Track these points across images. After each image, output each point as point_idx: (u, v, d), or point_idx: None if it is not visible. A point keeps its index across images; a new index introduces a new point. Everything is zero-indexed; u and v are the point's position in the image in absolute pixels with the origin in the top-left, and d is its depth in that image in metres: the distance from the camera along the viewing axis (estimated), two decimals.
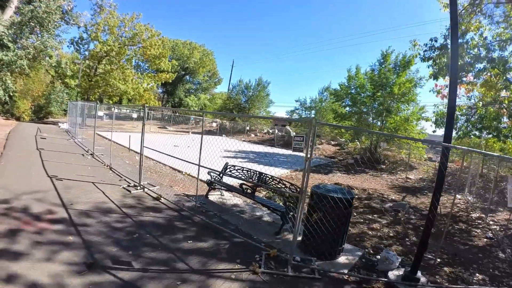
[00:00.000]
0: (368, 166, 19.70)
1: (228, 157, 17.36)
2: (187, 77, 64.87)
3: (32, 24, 26.09)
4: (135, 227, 6.06)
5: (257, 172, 8.24)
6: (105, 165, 11.99)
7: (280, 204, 7.79)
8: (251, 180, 8.23)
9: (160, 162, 14.08)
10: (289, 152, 26.82)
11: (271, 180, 7.73)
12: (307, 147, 4.97)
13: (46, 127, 25.65)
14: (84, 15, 31.01)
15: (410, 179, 17.07)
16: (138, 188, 9.02)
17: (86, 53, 32.77)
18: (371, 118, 25.20)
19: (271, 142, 33.95)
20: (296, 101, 42.57)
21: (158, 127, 37.92)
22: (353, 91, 25.01)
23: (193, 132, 36.83)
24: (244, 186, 7.60)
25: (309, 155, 4.73)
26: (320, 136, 32.74)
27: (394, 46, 24.12)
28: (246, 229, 6.60)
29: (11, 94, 29.10)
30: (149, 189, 8.92)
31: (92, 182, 9.26)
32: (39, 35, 27.89)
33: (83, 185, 8.81)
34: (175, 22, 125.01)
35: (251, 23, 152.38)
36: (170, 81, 38.53)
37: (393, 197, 11.80)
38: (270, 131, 40.30)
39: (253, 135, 38.98)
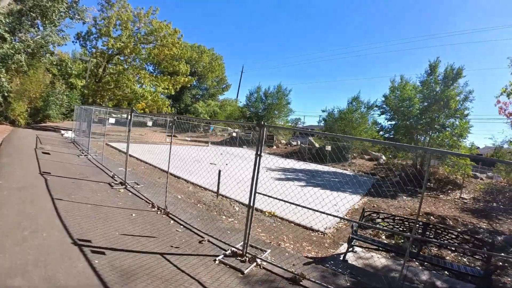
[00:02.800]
0: (414, 184, 17.02)
1: (277, 178, 15.12)
2: (194, 82, 60.83)
3: (34, 14, 22.28)
4: None
5: (421, 223, 6.26)
6: (154, 207, 7.75)
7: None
8: (410, 233, 5.73)
9: (220, 195, 9.95)
10: (331, 168, 24.33)
11: (445, 233, 5.98)
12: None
13: (47, 135, 21.25)
14: (91, 9, 27.33)
15: (465, 199, 15.36)
16: (245, 258, 5.42)
17: (93, 50, 28.42)
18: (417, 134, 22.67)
19: (298, 155, 30.18)
20: (323, 111, 38.71)
21: (167, 136, 33.54)
22: (398, 103, 22.93)
23: (212, 143, 32.67)
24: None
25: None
26: (348, 148, 29.37)
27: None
28: None
29: (6, 94, 25.23)
30: (261, 258, 5.44)
31: (161, 254, 5.18)
32: (40, 28, 24.32)
33: (151, 267, 4.68)
34: (178, 24, 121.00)
35: (262, 28, 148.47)
36: (189, 85, 34.69)
37: (483, 225, 10.25)
38: (293, 142, 36.91)
39: (274, 147, 35.44)
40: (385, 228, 6.53)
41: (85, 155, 14.01)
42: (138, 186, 9.49)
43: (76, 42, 28.53)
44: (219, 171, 9.35)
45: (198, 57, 56.42)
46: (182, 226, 6.65)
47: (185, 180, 11.50)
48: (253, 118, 40.35)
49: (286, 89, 40.79)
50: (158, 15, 27.19)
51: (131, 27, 26.38)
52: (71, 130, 21.93)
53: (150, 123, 34.12)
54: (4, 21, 20.06)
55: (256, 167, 5.38)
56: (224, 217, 7.79)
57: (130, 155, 14.88)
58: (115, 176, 10.48)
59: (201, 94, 62.85)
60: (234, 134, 35.58)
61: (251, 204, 5.47)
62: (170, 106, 29.43)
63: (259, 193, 5.46)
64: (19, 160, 11.16)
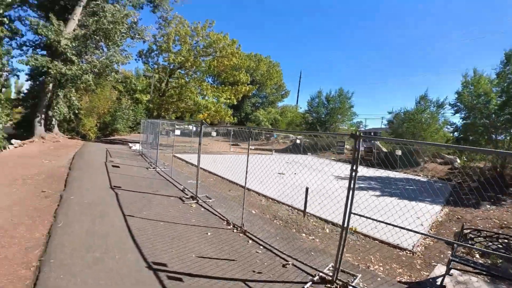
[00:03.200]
0: (496, 190, 14.61)
1: (356, 188, 12.82)
2: (254, 90, 60.88)
3: (97, 37, 23.69)
4: None
5: None
6: (229, 224, 7.10)
7: None
8: None
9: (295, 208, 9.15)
10: (403, 174, 22.39)
11: None
12: None
13: (116, 148, 21.98)
14: (149, 28, 28.73)
15: None
16: (336, 285, 4.68)
17: (155, 66, 29.48)
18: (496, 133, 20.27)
19: (365, 161, 28.26)
20: (389, 112, 36.48)
21: (230, 144, 33.33)
22: (473, 100, 20.64)
23: (275, 151, 32.01)
24: None
25: None
26: (419, 152, 27.00)
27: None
28: None
29: (77, 111, 26.92)
30: (353, 286, 4.64)
31: (244, 281, 4.51)
32: (104, 49, 25.96)
33: None
34: (233, 36, 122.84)
35: (317, 29, 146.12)
36: (249, 94, 34.52)
37: None
38: (349, 147, 34.87)
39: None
40: (498, 253, 5.30)
41: (153, 168, 13.94)
42: (210, 200, 8.96)
43: (138, 59, 29.80)
44: (307, 189, 8.42)
45: (255, 66, 56.41)
46: (261, 247, 5.92)
47: (256, 192, 10.84)
48: (316, 123, 39.12)
49: (348, 92, 39.07)
50: (214, 28, 27.41)
51: (189, 41, 26.74)
52: (139, 143, 22.42)
53: (214, 133, 34.23)
54: (71, 45, 21.44)
55: (352, 185, 4.59)
56: (304, 235, 6.97)
57: (196, 166, 14.70)
58: (186, 190, 10.07)
59: (260, 102, 62.59)
60: (298, 141, 34.58)
61: (345, 226, 4.63)
62: (232, 115, 29.15)
63: (355, 213, 4.62)
64: (90, 174, 11.25)
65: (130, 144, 23.60)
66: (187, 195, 9.45)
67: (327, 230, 7.47)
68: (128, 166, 13.93)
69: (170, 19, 28.91)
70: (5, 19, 17.25)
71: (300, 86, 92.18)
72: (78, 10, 23.66)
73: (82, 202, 7.72)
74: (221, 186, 11.51)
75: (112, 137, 33.11)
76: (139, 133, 43.45)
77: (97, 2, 24.23)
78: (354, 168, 4.55)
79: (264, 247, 5.90)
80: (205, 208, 8.24)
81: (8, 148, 18.58)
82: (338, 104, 38.70)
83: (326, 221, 7.96)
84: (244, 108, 57.16)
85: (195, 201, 8.73)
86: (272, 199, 10.08)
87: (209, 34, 26.88)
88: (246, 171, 6.93)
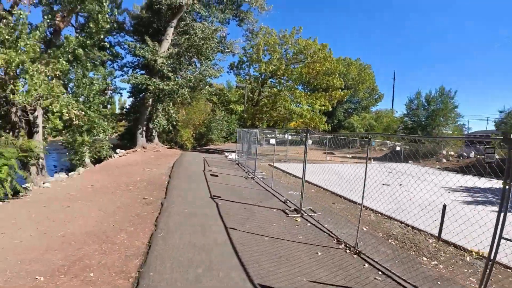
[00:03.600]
0: None
1: (464, 202, 10.90)
2: (348, 95, 57.74)
3: (190, 54, 25.02)
4: None
5: None
6: (340, 243, 6.08)
7: None
8: None
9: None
10: None
11: None
12: None
13: (212, 157, 22.17)
14: (237, 42, 29.32)
15: None
16: None
17: (247, 77, 29.68)
18: None
19: (476, 169, 24.40)
20: (501, 111, 31.67)
21: (323, 153, 31.72)
22: None
23: (374, 159, 29.69)
24: None
25: None
26: None
27: None
28: None
29: (174, 123, 28.33)
30: None
31: None
32: (197, 65, 27.03)
33: None
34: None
35: (408, 28, 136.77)
36: (344, 99, 32.93)
37: None
38: (465, 154, 30.76)
39: (444, 160, 29.95)
40: None
41: (251, 177, 13.43)
42: (315, 214, 7.98)
43: (230, 72, 30.25)
44: (444, 207, 6.87)
45: (346, 70, 53.77)
46: (380, 272, 4.80)
47: (364, 206, 9.48)
48: (417, 128, 35.58)
49: (450, 91, 34.85)
50: (302, 34, 26.60)
51: (279, 50, 26.28)
52: (234, 152, 22.38)
53: (310, 142, 32.90)
54: (166, 63, 22.70)
55: (505, 202, 3.49)
56: (424, 258, 5.60)
57: (295, 176, 13.80)
58: (288, 202, 9.25)
59: (353, 108, 59.14)
60: (398, 148, 31.71)
61: (492, 257, 3.43)
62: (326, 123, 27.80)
63: (506, 239, 3.32)
64: (189, 183, 11.11)
65: (226, 153, 23.74)
66: (290, 207, 8.60)
67: (449, 254, 5.93)
68: (226, 175, 13.63)
69: (257, 30, 29.16)
70: (106, 43, 18.88)
71: (394, 88, 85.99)
72: (170, 31, 24.79)
73: (182, 211, 7.35)
74: (323, 198, 10.41)
75: (208, 147, 34.14)
76: (233, 142, 44.64)
77: (186, 22, 25.41)
78: (509, 181, 3.36)
79: (383, 272, 4.80)
80: (311, 223, 7.29)
81: (114, 157, 19.95)
82: (440, 105, 34.74)
83: (456, 246, 6.30)
84: (336, 115, 54.71)
85: (299, 215, 7.85)
86: (381, 214, 8.66)
87: (297, 41, 26.13)
88: (364, 186, 5.87)
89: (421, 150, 29.90)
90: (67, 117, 13.88)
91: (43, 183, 11.06)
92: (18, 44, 11.43)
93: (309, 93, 28.24)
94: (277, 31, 26.98)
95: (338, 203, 9.63)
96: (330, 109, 27.65)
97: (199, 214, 7.22)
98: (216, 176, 12.96)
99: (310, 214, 7.85)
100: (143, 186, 10.51)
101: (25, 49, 11.64)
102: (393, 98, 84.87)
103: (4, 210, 7.32)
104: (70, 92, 17.23)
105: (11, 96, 11.26)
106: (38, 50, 12.40)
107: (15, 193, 8.74)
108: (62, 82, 17.09)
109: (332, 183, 11.17)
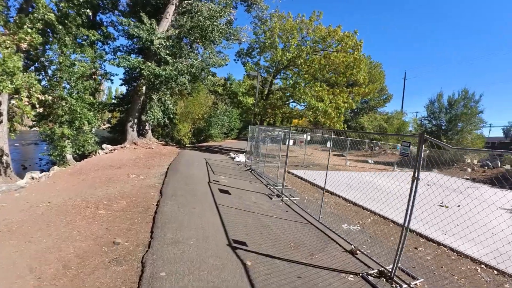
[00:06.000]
0: None
1: None
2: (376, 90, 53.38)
3: (192, 37, 21.54)
4: None
5: None
6: None
7: None
8: None
9: None
10: None
11: None
12: None
13: (216, 158, 18.01)
14: (244, 29, 26.13)
15: None
16: None
17: (256, 67, 25.95)
18: None
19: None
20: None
21: (333, 155, 27.69)
22: None
23: (397, 166, 25.82)
24: None
25: None
26: None
27: None
28: None
29: (172, 116, 25.15)
30: None
31: None
32: (200, 51, 24.14)
33: None
34: None
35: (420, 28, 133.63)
36: (369, 97, 29.50)
37: None
38: (490, 163, 27.20)
39: (469, 170, 26.41)
40: None
41: (277, 195, 9.52)
42: (417, 283, 4.45)
43: (238, 60, 26.41)
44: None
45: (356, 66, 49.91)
46: None
47: (425, 237, 6.25)
48: (437, 132, 32.27)
49: (474, 94, 31.52)
50: (322, 21, 22.87)
51: (297, 35, 22.57)
52: (240, 152, 18.74)
53: (329, 144, 28.36)
54: (164, 44, 19.50)
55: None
56: None
57: (328, 191, 10.18)
58: (358, 253, 5.52)
59: (360, 108, 55.46)
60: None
61: None
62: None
63: None
64: (190, 207, 7.45)
65: (232, 154, 19.71)
66: (372, 268, 4.95)
67: None
68: (241, 191, 9.89)
69: (266, 17, 25.70)
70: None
71: (404, 89, 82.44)
72: (171, 9, 21.66)
73: (181, 279, 3.85)
74: (395, 233, 6.85)
75: (207, 144, 30.57)
76: (233, 139, 41.05)
77: (190, 1, 22.31)
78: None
79: None
80: None
81: (98, 153, 17.05)
82: (462, 109, 31.43)
83: None
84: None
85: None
86: (451, 249, 5.69)
87: (317, 28, 22.40)
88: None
89: (443, 157, 26.57)
90: (27, 102, 10.60)
91: None
92: None
93: (331, 88, 24.38)
94: (295, 16, 23.35)
95: (428, 248, 6.14)
96: (354, 107, 24.14)
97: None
98: (228, 193, 9.26)
99: (410, 283, 4.34)
100: (120, 208, 7.03)
101: None
102: (402, 99, 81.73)
103: None
104: (51, 75, 14.72)
105: None
106: None
107: None
108: (31, 59, 14.20)
109: (389, 206, 7.41)
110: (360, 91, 23.08)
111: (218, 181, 10.78)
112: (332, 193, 10.26)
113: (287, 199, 9.12)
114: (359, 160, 25.15)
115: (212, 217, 6.79)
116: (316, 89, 20.86)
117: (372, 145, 38.25)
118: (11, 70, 9.18)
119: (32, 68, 16.14)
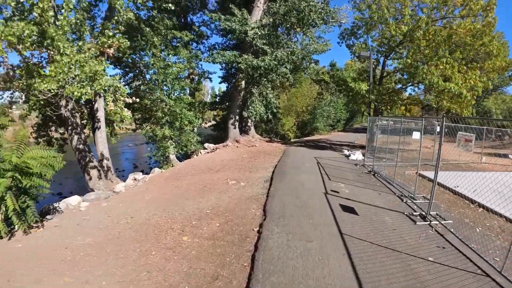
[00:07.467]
0: None
1: None
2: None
3: (288, 24, 19.78)
4: None
5: None
6: None
7: None
8: None
9: None
10: None
11: None
12: None
13: (326, 156, 15.42)
14: (343, 9, 23.36)
15: None
16: None
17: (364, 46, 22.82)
18: None
19: None
20: None
21: (482, 153, 20.05)
22: None
23: None
24: None
25: None
26: None
27: None
28: None
29: (275, 110, 23.36)
30: None
31: None
32: (298, 38, 22.31)
33: None
34: None
35: None
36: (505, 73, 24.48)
37: None
38: None
39: None
40: None
41: (420, 216, 6.70)
42: None
43: (341, 43, 23.59)
44: None
45: (472, 41, 41.24)
46: None
47: None
48: None
49: None
50: None
51: (408, 2, 18.70)
52: (353, 146, 15.92)
53: (475, 138, 21.92)
54: (260, 33, 18.15)
55: None
56: None
57: (484, 207, 6.82)
58: None
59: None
60: None
61: None
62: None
63: None
64: (304, 242, 5.23)
65: (346, 151, 16.58)
66: None
67: None
68: (370, 208, 7.22)
69: None
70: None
71: None
72: None
73: None
74: None
75: (313, 138, 28.57)
76: (339, 131, 37.98)
77: None
78: None
79: None
80: None
81: (200, 153, 16.85)
82: None
83: None
84: None
85: None
86: None
87: None
88: None
89: None
90: (113, 106, 10.22)
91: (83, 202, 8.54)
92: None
93: (456, 64, 19.81)
94: None
95: None
96: (491, 86, 19.51)
97: None
98: (353, 212, 6.82)
99: None
100: (210, 234, 5.52)
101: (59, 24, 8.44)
102: None
103: None
104: (148, 80, 15.46)
105: (37, 82, 7.94)
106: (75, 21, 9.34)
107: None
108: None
109: None
110: (495, 66, 18.22)
111: (337, 192, 8.44)
112: (488, 210, 6.72)
113: (436, 222, 6.33)
114: (493, 154, 18.55)
115: (338, 262, 4.56)
116: (442, 66, 16.91)
117: (499, 133, 30.54)
118: (90, 74, 8.66)
119: (131, 74, 17.20)
